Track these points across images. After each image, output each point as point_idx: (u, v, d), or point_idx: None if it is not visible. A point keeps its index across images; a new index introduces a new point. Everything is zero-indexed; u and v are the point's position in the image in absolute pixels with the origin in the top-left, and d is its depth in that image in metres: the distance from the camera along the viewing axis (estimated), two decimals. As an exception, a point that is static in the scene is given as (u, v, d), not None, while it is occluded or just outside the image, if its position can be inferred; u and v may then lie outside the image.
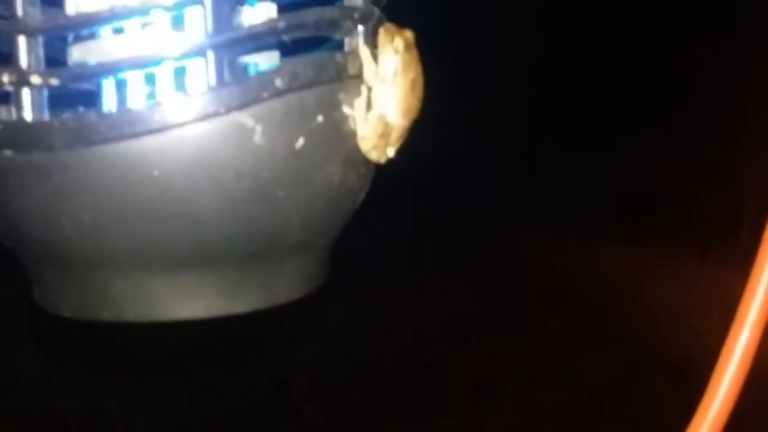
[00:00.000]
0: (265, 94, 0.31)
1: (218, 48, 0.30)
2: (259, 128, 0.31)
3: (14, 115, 0.30)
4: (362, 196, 0.38)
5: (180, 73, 0.31)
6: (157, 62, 0.30)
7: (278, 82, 0.32)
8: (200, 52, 0.30)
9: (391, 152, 0.37)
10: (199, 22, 0.31)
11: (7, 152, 0.31)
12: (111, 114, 0.30)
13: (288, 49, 0.35)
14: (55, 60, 0.32)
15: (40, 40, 0.30)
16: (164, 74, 0.31)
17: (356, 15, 0.34)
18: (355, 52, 0.35)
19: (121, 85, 0.31)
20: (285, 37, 0.33)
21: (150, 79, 0.31)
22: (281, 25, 0.32)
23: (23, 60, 0.30)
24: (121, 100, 0.31)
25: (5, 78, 0.30)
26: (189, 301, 0.34)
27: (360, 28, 0.35)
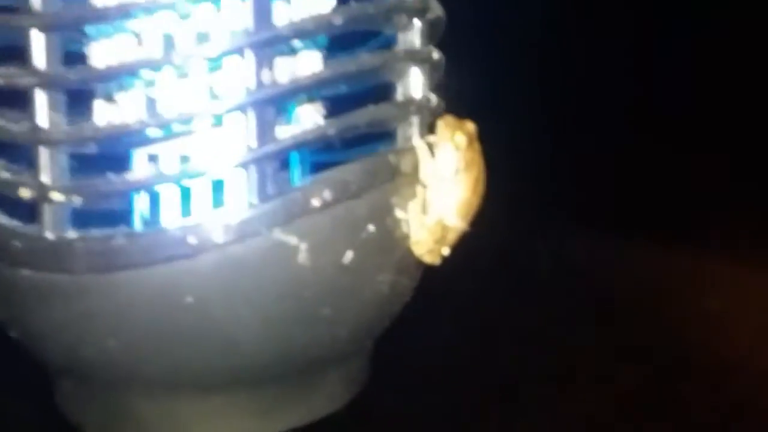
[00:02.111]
0: (311, 208, 0.30)
1: (262, 160, 0.29)
2: (303, 246, 0.29)
3: (35, 232, 0.29)
4: (412, 294, 0.36)
5: (216, 189, 0.29)
6: (189, 178, 0.29)
7: (326, 194, 0.30)
8: (243, 166, 0.29)
9: (446, 251, 0.35)
10: (240, 132, 0.29)
11: (26, 271, 0.29)
12: (140, 236, 0.28)
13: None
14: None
15: (64, 152, 0.28)
16: (200, 189, 0.29)
17: (412, 108, 0.32)
18: (410, 148, 0.33)
19: (153, 201, 0.29)
20: (335, 141, 0.31)
21: (185, 197, 0.29)
22: (331, 131, 0.30)
23: (44, 174, 0.28)
24: (153, 218, 0.29)
25: (25, 193, 0.29)
26: (220, 423, 0.32)
27: (415, 119, 0.33)
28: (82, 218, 0.29)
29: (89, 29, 0.30)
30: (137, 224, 0.29)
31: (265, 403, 0.33)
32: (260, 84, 0.28)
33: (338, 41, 0.33)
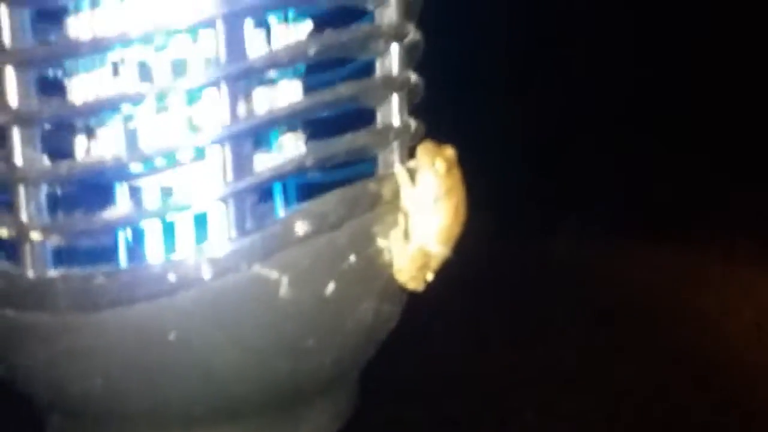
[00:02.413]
0: (291, 240, 0.30)
1: (239, 194, 0.29)
2: (284, 280, 0.30)
3: (16, 271, 0.29)
4: (396, 320, 0.36)
5: (198, 223, 0.30)
6: (171, 212, 0.29)
7: (306, 226, 0.30)
8: (220, 199, 0.29)
9: (429, 277, 0.35)
10: (217, 166, 0.29)
11: (9, 311, 0.29)
12: (121, 274, 0.28)
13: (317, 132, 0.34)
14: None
15: (42, 190, 0.28)
16: (180, 225, 0.30)
17: (391, 135, 0.33)
18: (390, 175, 0.33)
19: (134, 238, 0.29)
20: (312, 171, 0.31)
21: (166, 231, 0.29)
22: (309, 162, 0.30)
23: (23, 213, 0.28)
24: (135, 253, 0.29)
25: (4, 232, 0.29)
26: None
27: (395, 144, 0.33)
28: (66, 254, 0.30)
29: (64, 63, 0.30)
30: (121, 259, 0.30)
31: (251, 434, 0.33)
32: (235, 117, 0.28)
33: (317, 63, 0.33)
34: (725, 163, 0.63)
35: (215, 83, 0.28)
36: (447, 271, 0.32)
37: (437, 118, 0.34)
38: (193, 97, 0.30)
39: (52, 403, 0.32)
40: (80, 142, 0.32)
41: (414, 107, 0.35)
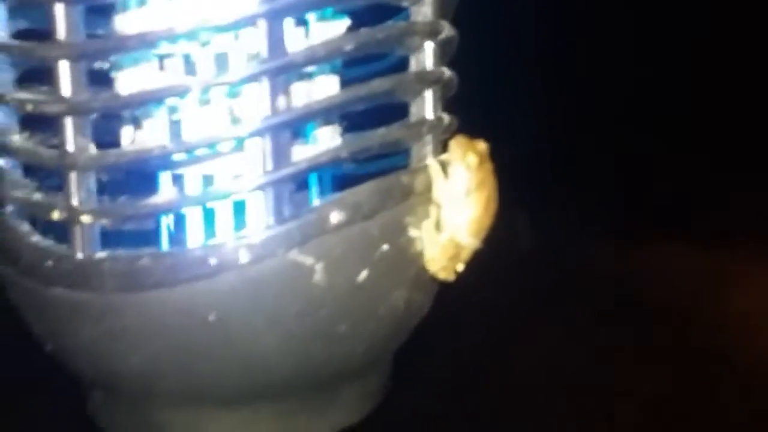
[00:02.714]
0: (326, 229, 0.31)
1: (278, 184, 0.30)
2: (319, 267, 0.31)
3: (65, 252, 0.31)
4: (428, 308, 0.38)
5: (237, 210, 0.31)
6: (210, 201, 0.30)
7: (340, 216, 0.31)
8: (261, 188, 0.30)
9: (460, 268, 0.36)
10: (257, 156, 0.30)
11: (58, 289, 0.31)
12: (164, 257, 0.30)
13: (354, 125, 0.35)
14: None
15: (92, 176, 0.30)
16: (221, 212, 0.31)
17: (424, 128, 0.34)
18: (423, 168, 0.34)
19: (177, 222, 0.31)
20: (347, 163, 0.33)
21: (207, 217, 0.31)
22: (344, 153, 0.32)
23: (74, 197, 0.30)
24: (177, 238, 0.31)
25: (56, 215, 0.30)
26: (241, 433, 0.34)
27: (428, 139, 0.34)
28: (114, 236, 0.31)
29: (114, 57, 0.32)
30: (164, 244, 0.31)
31: (285, 416, 0.34)
32: (275, 110, 0.30)
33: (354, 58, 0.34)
34: (726, 162, 0.63)
35: (257, 78, 0.30)
36: (489, 261, 0.33)
37: (469, 113, 0.35)
38: (234, 90, 0.31)
39: (95, 380, 0.34)
40: (127, 132, 0.34)
41: (447, 102, 0.36)
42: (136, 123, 0.33)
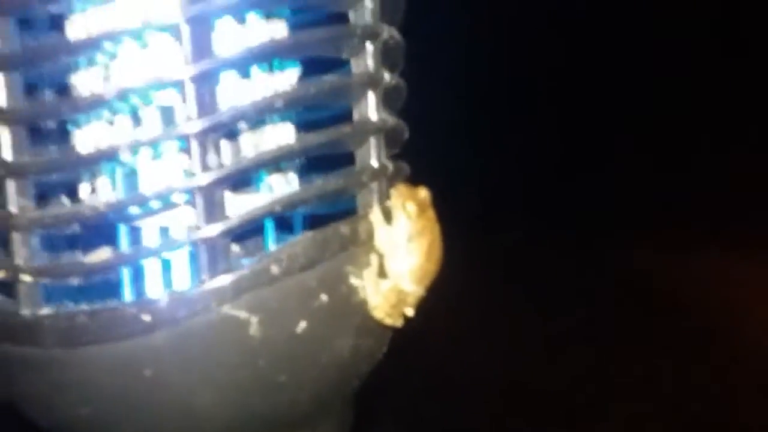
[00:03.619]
0: (260, 282, 0.32)
1: (210, 240, 0.31)
2: (254, 320, 0.32)
3: (12, 309, 0.32)
4: (383, 351, 0.38)
5: (171, 265, 0.32)
6: (146, 257, 0.31)
7: (274, 269, 0.32)
8: (192, 244, 0.31)
9: (409, 312, 0.37)
10: (188, 213, 0.31)
11: (7, 345, 0.32)
12: (99, 314, 0.31)
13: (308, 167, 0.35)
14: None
15: (34, 235, 0.31)
16: (154, 268, 0.32)
17: (365, 177, 0.34)
18: (364, 217, 0.35)
19: (116, 279, 0.32)
20: (286, 216, 0.33)
21: (142, 273, 0.32)
22: (278, 206, 0.32)
23: (17, 257, 0.31)
24: (116, 293, 0.32)
25: (1, 274, 0.32)
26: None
27: (373, 185, 0.35)
28: (60, 291, 0.33)
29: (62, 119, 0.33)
30: (103, 298, 0.32)
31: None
32: (205, 167, 0.31)
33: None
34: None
35: (183, 137, 0.31)
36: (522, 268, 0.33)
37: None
38: (160, 149, 0.32)
39: (47, 427, 0.35)
40: (84, 188, 0.35)
41: (400, 149, 0.37)
42: (93, 178, 0.35)
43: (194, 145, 0.31)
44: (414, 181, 0.35)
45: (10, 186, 0.31)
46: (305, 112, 0.35)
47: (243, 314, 0.32)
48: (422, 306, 0.35)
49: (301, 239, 0.33)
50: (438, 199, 0.33)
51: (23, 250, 0.32)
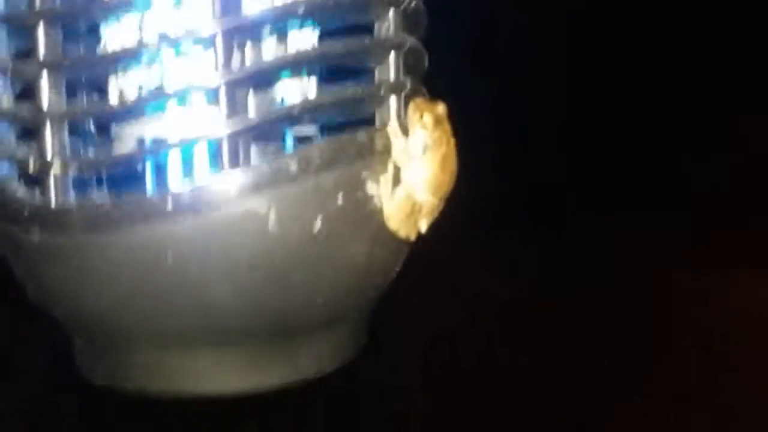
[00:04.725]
0: (280, 179, 0.33)
1: (232, 134, 0.33)
2: (272, 215, 0.33)
3: (41, 200, 0.34)
4: (398, 268, 0.39)
5: (197, 158, 0.34)
6: (169, 148, 0.33)
7: (292, 167, 0.34)
8: (215, 137, 0.33)
9: (423, 227, 0.38)
10: (213, 107, 0.33)
11: (34, 234, 0.34)
12: (124, 202, 0.33)
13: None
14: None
15: (65, 127, 0.33)
16: (179, 160, 0.34)
17: (383, 89, 0.36)
18: (381, 128, 0.36)
19: (143, 170, 0.34)
20: (307, 120, 0.35)
21: (169, 164, 0.34)
22: (296, 111, 0.34)
23: (48, 150, 0.33)
24: (140, 184, 0.34)
25: (32, 166, 0.34)
26: (210, 376, 0.36)
27: (391, 99, 0.36)
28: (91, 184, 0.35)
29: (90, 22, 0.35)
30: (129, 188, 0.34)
31: (251, 360, 0.36)
32: (228, 67, 0.32)
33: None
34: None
35: (212, 37, 0.32)
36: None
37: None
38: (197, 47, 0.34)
39: (71, 324, 0.37)
40: (113, 86, 0.37)
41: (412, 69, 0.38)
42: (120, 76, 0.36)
43: (219, 44, 0.32)
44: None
45: (43, 81, 0.33)
46: (328, 21, 0.37)
47: (262, 208, 0.33)
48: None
49: (320, 142, 0.35)
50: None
51: (54, 142, 0.34)
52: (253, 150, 0.34)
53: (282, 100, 0.36)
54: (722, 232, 0.56)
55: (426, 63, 0.38)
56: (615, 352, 0.41)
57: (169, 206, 0.33)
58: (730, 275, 0.50)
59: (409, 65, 0.38)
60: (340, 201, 0.35)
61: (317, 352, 0.38)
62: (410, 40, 0.37)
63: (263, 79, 0.34)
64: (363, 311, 0.39)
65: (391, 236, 0.37)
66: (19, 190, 0.35)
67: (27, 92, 0.35)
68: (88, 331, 0.37)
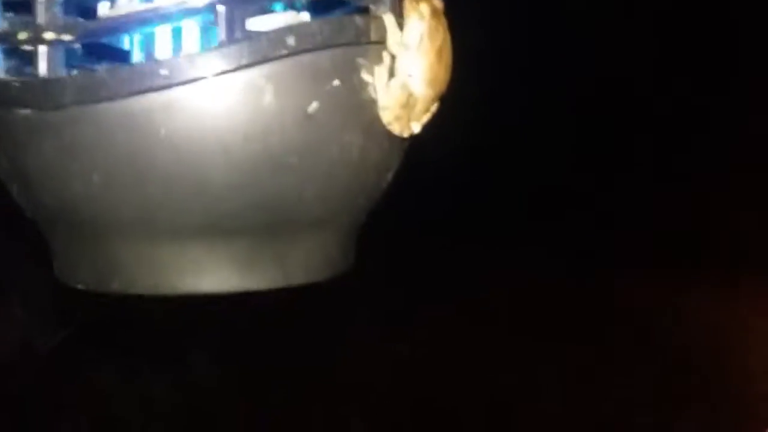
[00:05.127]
0: (277, 53, 0.33)
1: (229, 4, 0.32)
2: (269, 88, 0.33)
3: (31, 72, 0.33)
4: (389, 175, 0.39)
5: (191, 30, 0.33)
6: (164, 20, 0.33)
7: (290, 41, 0.33)
8: (210, 8, 0.32)
9: (416, 127, 0.38)
10: (209, -20, 0.33)
11: (23, 110, 0.33)
12: (118, 70, 0.32)
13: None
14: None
15: (56, -3, 0.33)
16: (175, 32, 0.33)
17: (380, -20, 0.36)
18: (379, 17, 0.36)
19: (132, 42, 0.34)
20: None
21: (161, 36, 0.33)
22: (295, -16, 0.34)
23: (40, 16, 0.33)
24: (130, 58, 0.33)
25: (22, 35, 0.33)
26: (199, 274, 0.35)
27: (386, -5, 0.37)
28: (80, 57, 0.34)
29: None
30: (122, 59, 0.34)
31: (241, 258, 0.36)
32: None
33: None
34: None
35: None
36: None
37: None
38: None
39: (57, 213, 0.35)
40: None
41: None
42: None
43: None
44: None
45: (38, -50, 0.33)
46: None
47: (260, 81, 0.33)
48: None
49: (316, 21, 0.35)
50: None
51: (46, 9, 0.33)
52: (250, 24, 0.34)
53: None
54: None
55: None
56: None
57: (165, 71, 0.32)
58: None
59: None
60: (336, 83, 0.34)
61: (305, 258, 0.37)
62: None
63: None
64: (353, 218, 0.39)
65: (385, 132, 0.37)
66: (5, 68, 0.35)
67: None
68: (74, 223, 0.35)
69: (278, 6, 0.36)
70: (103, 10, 0.34)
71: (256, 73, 0.33)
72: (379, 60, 0.36)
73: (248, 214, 0.35)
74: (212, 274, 0.36)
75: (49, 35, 0.33)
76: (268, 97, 0.33)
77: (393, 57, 0.36)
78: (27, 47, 0.33)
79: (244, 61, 0.33)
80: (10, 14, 0.34)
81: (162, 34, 0.34)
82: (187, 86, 0.32)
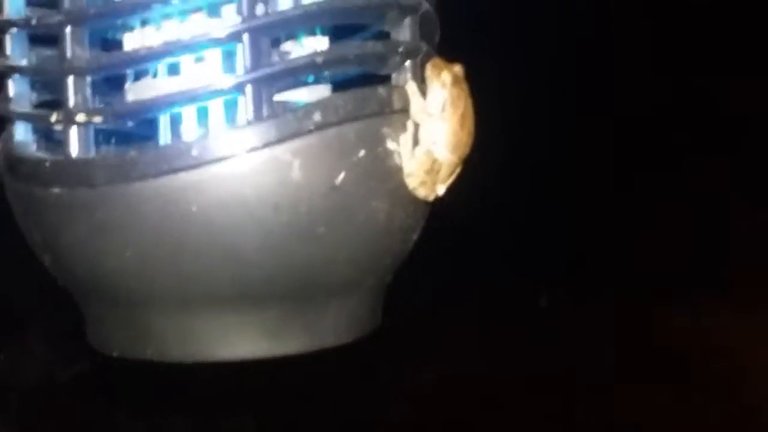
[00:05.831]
0: (303, 129, 0.34)
1: (256, 83, 0.33)
2: (296, 163, 0.34)
3: (62, 153, 0.34)
4: (415, 235, 0.40)
5: (218, 109, 0.34)
6: (192, 100, 0.33)
7: (316, 116, 0.34)
8: (238, 88, 0.33)
9: (441, 190, 0.38)
10: (237, 58, 0.34)
11: (55, 189, 0.34)
12: (149, 150, 0.33)
13: (343, 86, 0.38)
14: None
15: (88, 80, 0.34)
16: (202, 111, 0.34)
17: (401, 49, 0.37)
18: (401, 87, 0.37)
19: (160, 123, 0.34)
20: (326, 72, 0.36)
21: (190, 116, 0.34)
22: (320, 59, 0.35)
23: (71, 100, 0.34)
24: (161, 136, 0.34)
25: (54, 117, 0.34)
26: (231, 341, 0.36)
27: (407, 63, 0.37)
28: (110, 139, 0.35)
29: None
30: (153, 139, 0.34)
31: (273, 325, 0.36)
32: (252, 15, 0.33)
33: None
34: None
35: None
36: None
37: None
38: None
39: (90, 287, 0.36)
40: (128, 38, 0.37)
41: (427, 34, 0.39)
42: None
43: (244, -7, 0.33)
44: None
45: (67, 33, 0.34)
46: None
47: (286, 156, 0.34)
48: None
49: (341, 94, 0.35)
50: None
51: (77, 93, 0.34)
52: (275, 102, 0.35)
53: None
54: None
55: (438, 31, 0.40)
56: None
57: (195, 152, 0.33)
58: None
59: (423, 31, 0.39)
60: (361, 154, 0.35)
61: (335, 320, 0.38)
62: (425, 5, 0.38)
63: (285, 27, 0.34)
64: (380, 279, 0.39)
65: (410, 197, 0.37)
66: (38, 147, 0.35)
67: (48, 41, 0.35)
68: (108, 295, 0.36)
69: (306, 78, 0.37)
70: (129, 88, 0.35)
71: (284, 149, 0.34)
72: (403, 128, 0.37)
73: (278, 282, 0.36)
74: (244, 341, 0.37)
75: (80, 118, 0.34)
76: (296, 171, 0.34)
77: (417, 125, 0.37)
78: (58, 128, 0.35)
79: (271, 139, 0.33)
80: (43, 93, 0.35)
81: (192, 112, 0.34)
82: (216, 164, 0.33)
